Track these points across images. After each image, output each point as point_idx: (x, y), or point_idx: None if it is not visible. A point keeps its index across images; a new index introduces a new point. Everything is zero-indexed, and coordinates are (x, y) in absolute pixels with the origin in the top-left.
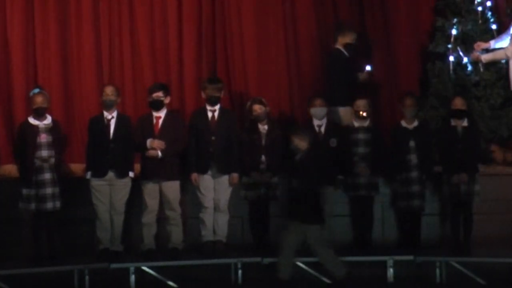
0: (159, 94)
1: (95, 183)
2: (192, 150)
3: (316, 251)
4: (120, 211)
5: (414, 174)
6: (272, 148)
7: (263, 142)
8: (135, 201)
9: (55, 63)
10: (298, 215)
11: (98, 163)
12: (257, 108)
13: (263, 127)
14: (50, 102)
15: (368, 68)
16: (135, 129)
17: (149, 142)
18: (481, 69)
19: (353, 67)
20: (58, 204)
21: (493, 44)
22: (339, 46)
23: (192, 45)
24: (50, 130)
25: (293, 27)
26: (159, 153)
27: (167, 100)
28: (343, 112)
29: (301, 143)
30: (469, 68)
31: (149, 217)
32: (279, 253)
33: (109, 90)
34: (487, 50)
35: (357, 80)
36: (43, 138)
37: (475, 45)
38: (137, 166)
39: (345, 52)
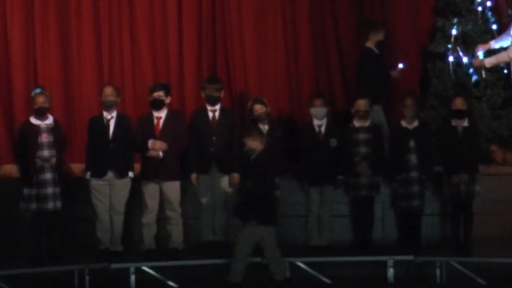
0: (160, 93)
1: (95, 183)
2: (192, 150)
3: (267, 252)
4: (119, 211)
5: (414, 174)
6: (272, 148)
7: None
8: (135, 201)
9: (55, 63)
10: (253, 216)
11: (97, 163)
12: (258, 108)
13: (264, 127)
14: (51, 102)
15: (400, 65)
16: (135, 129)
17: (150, 143)
18: (483, 75)
19: (384, 65)
20: (59, 204)
21: (493, 44)
22: (370, 44)
23: (192, 45)
24: (51, 130)
25: (293, 27)
26: (160, 154)
27: (167, 100)
28: (375, 110)
29: (253, 143)
30: (471, 71)
31: (149, 217)
32: (234, 255)
33: (108, 91)
34: (488, 51)
35: (389, 78)
36: (45, 138)
37: (476, 49)
38: (137, 166)
39: (376, 50)
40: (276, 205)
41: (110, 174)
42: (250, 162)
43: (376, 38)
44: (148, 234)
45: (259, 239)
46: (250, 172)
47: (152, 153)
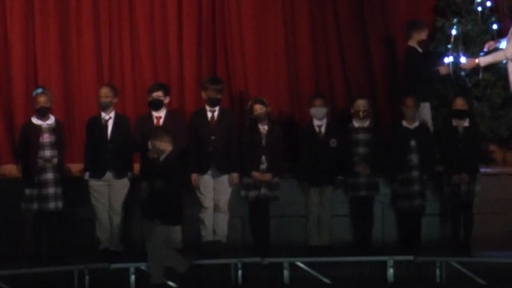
0: (159, 93)
1: (94, 183)
2: (192, 150)
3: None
4: (118, 211)
5: (415, 174)
6: (272, 148)
7: (263, 142)
8: (134, 201)
9: (55, 63)
10: (160, 216)
11: (96, 164)
12: (258, 108)
13: (264, 127)
14: (53, 102)
15: (447, 60)
16: (135, 129)
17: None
18: (480, 75)
19: (430, 63)
20: (60, 204)
21: (500, 42)
22: (412, 43)
23: (192, 45)
24: (53, 130)
25: (293, 27)
26: None
27: (166, 100)
28: (423, 107)
29: (162, 144)
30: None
31: None
32: (147, 258)
33: (102, 92)
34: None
35: (437, 74)
36: (46, 138)
37: (487, 45)
38: (137, 166)
39: (419, 49)
40: (182, 206)
41: (108, 175)
42: (159, 163)
43: (419, 37)
44: None
45: (168, 238)
46: (158, 173)
47: (152, 153)
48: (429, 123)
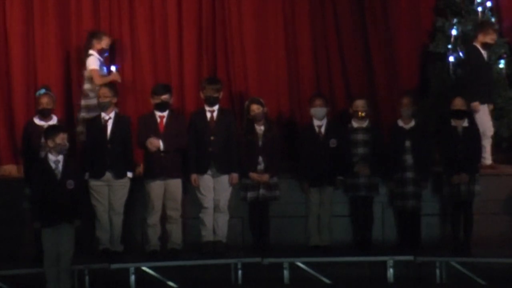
0: (167, 96)
1: (93, 184)
2: (192, 151)
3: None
4: (119, 212)
5: (409, 174)
6: (269, 149)
7: (260, 142)
8: (135, 201)
9: (55, 63)
10: (53, 219)
11: (95, 164)
12: (255, 108)
13: (260, 128)
14: (56, 103)
15: (501, 65)
16: (139, 128)
17: (148, 141)
18: None
19: (490, 64)
20: None
21: None
22: (477, 43)
23: (192, 45)
24: None
25: (293, 27)
26: (161, 145)
27: (171, 101)
28: (482, 109)
29: (56, 143)
30: None
31: (155, 218)
32: (44, 263)
33: (101, 92)
34: None
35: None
36: None
37: None
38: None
39: (481, 50)
40: (80, 208)
41: (108, 175)
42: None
43: (483, 39)
44: (154, 235)
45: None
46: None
47: (154, 142)
48: (486, 126)
